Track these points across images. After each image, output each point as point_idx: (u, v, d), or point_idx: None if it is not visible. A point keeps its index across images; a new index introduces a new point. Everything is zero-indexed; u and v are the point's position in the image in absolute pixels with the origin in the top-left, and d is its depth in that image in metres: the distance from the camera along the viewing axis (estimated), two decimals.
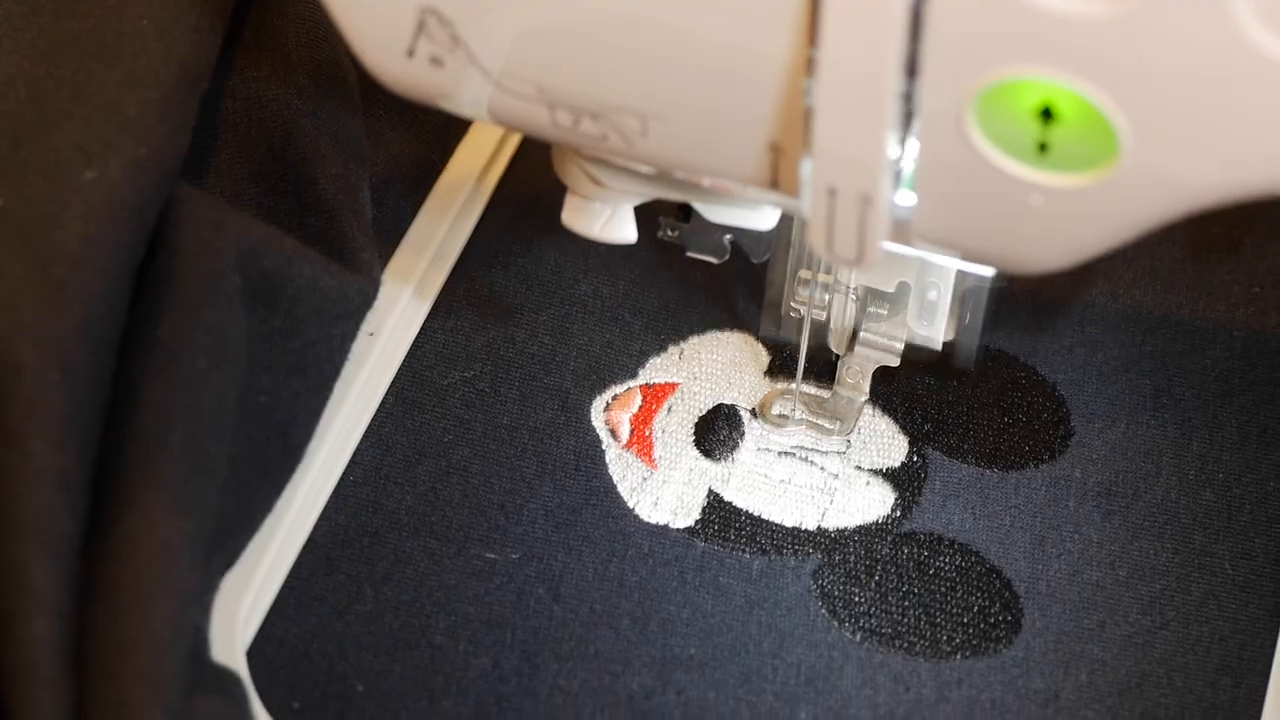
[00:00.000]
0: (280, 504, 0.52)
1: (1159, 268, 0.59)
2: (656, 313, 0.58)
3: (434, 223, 0.59)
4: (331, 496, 0.53)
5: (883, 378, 0.55)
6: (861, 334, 0.54)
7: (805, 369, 0.55)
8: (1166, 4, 0.33)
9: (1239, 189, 0.36)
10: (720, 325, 0.58)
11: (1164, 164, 0.36)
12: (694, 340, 0.57)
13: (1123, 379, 0.56)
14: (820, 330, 0.54)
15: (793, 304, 0.54)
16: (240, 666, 0.49)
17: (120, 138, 0.48)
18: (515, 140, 0.62)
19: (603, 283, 0.59)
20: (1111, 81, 0.35)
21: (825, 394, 0.55)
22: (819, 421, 0.55)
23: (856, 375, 0.55)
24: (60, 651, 0.43)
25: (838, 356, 0.55)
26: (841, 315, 0.54)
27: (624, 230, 0.50)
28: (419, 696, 0.49)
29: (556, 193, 0.61)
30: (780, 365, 0.56)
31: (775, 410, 0.55)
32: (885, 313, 0.53)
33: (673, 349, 0.57)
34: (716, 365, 0.57)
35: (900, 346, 0.54)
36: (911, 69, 0.36)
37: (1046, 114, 0.36)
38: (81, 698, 0.43)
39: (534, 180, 0.61)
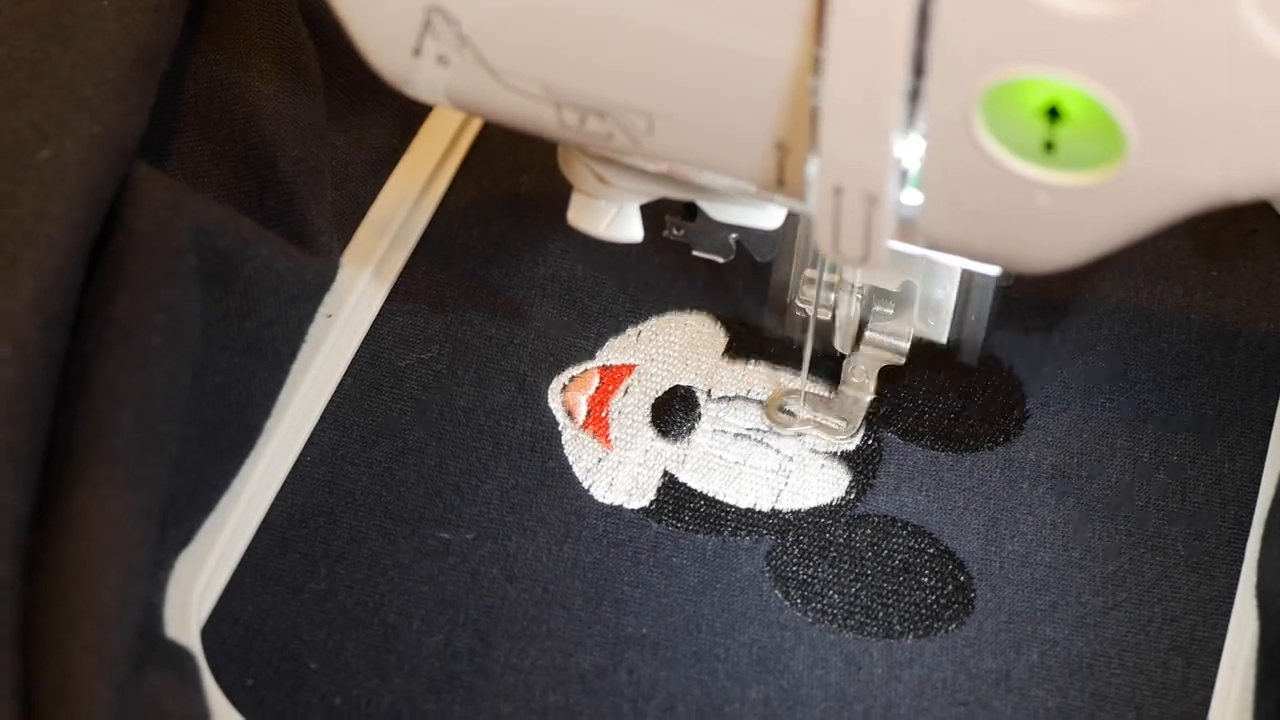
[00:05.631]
0: (236, 483, 0.52)
1: (1116, 251, 0.58)
2: (615, 295, 0.58)
3: (394, 206, 0.59)
4: (288, 476, 0.54)
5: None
6: (867, 333, 0.54)
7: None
8: (1174, 4, 0.33)
9: (1246, 189, 0.37)
10: (678, 307, 0.58)
11: (1171, 164, 0.36)
12: (652, 322, 0.58)
13: (1079, 362, 0.56)
14: (825, 329, 0.54)
15: (798, 303, 0.54)
16: (194, 644, 0.49)
17: (76, 117, 0.49)
18: (476, 125, 0.62)
19: (561, 265, 0.59)
20: (1118, 81, 0.35)
21: (830, 393, 0.55)
22: (826, 420, 0.55)
23: (862, 375, 0.55)
24: (8, 623, 0.43)
25: (843, 356, 0.55)
26: (847, 314, 0.53)
27: (629, 229, 0.50)
28: (371, 674, 0.50)
29: (516, 176, 0.61)
30: (738, 347, 0.57)
31: (781, 409, 0.55)
32: (891, 312, 0.53)
33: (630, 331, 0.57)
34: (674, 347, 0.57)
35: (906, 346, 0.54)
36: (918, 68, 0.36)
37: (1053, 113, 0.36)
38: (28, 669, 0.43)
39: (495, 164, 0.61)
